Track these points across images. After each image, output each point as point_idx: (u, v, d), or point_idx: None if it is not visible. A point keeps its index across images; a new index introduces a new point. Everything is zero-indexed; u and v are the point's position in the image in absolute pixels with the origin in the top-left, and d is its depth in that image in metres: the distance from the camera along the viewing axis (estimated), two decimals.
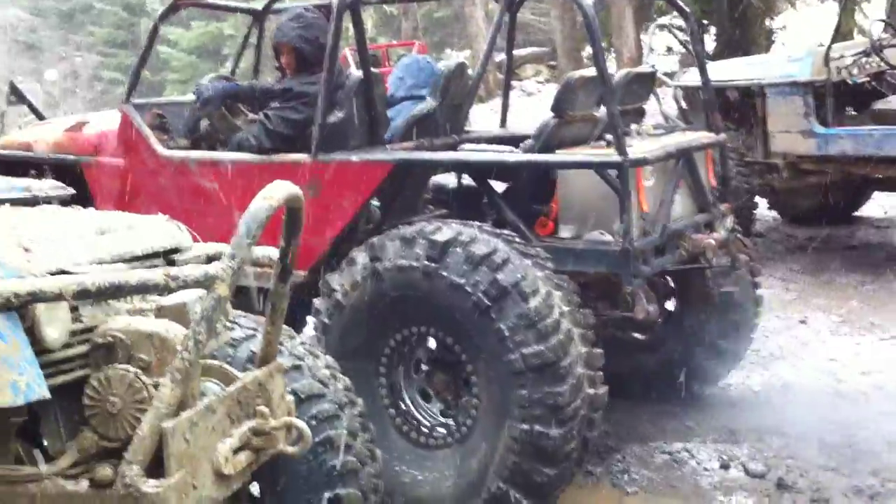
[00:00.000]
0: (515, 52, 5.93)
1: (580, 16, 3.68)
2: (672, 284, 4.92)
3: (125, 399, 2.18)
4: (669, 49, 17.11)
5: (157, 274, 2.21)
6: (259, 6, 5.58)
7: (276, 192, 2.22)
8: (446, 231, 3.71)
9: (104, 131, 5.05)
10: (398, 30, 25.58)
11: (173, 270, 2.22)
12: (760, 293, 5.05)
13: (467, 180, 4.50)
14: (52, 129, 5.39)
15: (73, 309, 2.27)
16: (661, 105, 8.07)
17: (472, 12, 21.90)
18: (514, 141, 4.62)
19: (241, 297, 4.27)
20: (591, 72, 4.26)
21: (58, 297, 2.08)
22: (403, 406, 3.99)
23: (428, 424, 3.96)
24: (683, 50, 16.14)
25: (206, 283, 2.20)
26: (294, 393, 2.74)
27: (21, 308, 2.08)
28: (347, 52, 13.62)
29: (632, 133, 4.33)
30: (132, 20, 35.58)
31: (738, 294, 4.79)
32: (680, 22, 14.89)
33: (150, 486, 2.09)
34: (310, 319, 4.20)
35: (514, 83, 19.53)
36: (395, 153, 4.38)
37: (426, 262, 3.67)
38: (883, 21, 7.95)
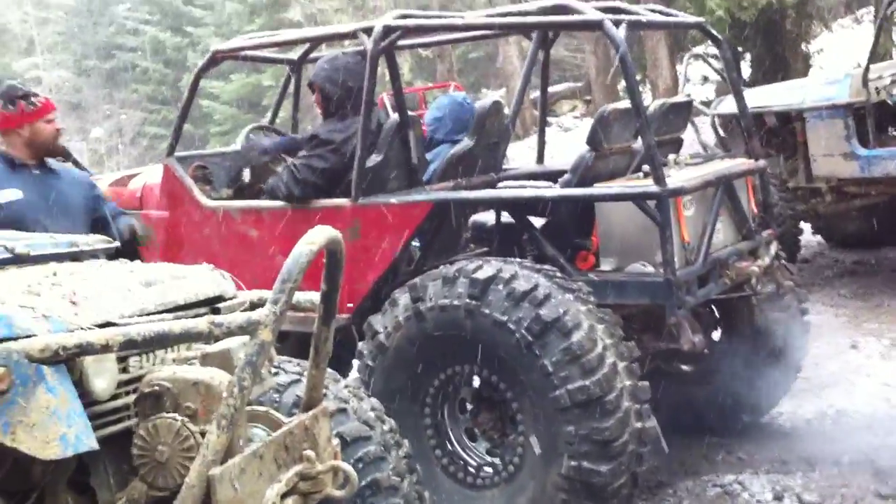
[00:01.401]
0: (550, 88, 5.97)
1: (614, 50, 3.69)
2: (717, 314, 4.87)
3: (173, 448, 2.20)
4: (705, 78, 17.04)
5: (201, 322, 2.24)
6: (295, 56, 5.67)
7: (317, 237, 2.25)
8: (487, 269, 3.72)
9: (148, 184, 5.15)
10: (433, 73, 25.81)
11: (217, 318, 2.25)
12: (808, 319, 4.97)
13: (506, 217, 4.51)
14: (99, 183, 5.50)
15: (121, 360, 2.31)
16: (699, 134, 8.03)
17: (507, 51, 22.06)
18: (552, 176, 4.62)
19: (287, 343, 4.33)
20: (625, 104, 4.26)
21: (105, 348, 2.12)
22: (449, 446, 3.98)
23: (475, 464, 3.95)
24: (719, 78, 16.09)
25: (250, 329, 2.22)
26: (340, 436, 2.75)
27: (69, 361, 2.12)
28: (385, 97, 13.77)
29: (669, 163, 4.32)
30: (175, 76, 36.30)
31: (786, 321, 4.72)
32: (714, 51, 14.89)
33: None
34: (355, 362, 4.22)
35: (550, 119, 19.66)
36: (433, 193, 4.41)
37: (468, 301, 3.68)
38: None
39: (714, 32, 4.73)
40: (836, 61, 14.81)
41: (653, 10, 4.56)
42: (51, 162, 4.21)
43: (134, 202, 5.14)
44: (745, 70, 15.55)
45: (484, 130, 4.93)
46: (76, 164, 6.66)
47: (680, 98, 5.02)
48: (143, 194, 5.13)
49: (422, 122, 4.94)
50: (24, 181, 4.01)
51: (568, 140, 16.76)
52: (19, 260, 2.69)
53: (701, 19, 4.90)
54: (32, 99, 4.08)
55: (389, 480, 2.88)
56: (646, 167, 4.10)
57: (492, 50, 25.17)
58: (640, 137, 4.18)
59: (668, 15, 4.74)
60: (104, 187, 5.38)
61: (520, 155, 14.57)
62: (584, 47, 20.53)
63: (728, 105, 8.34)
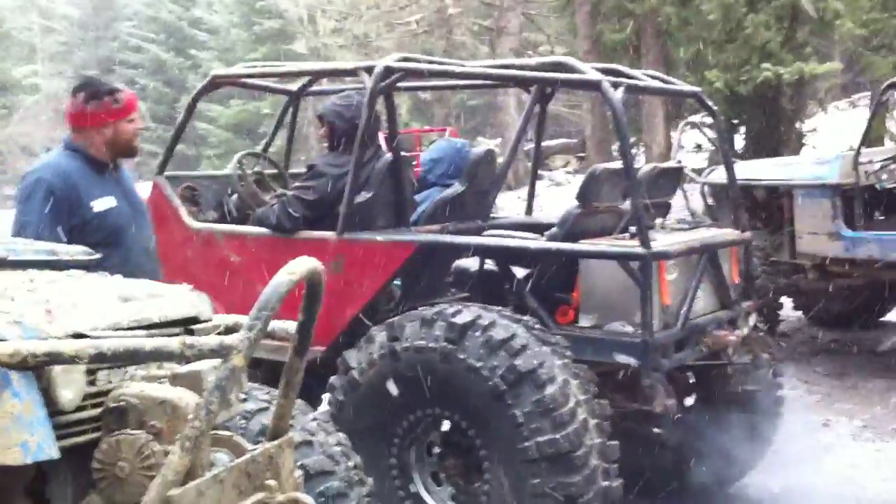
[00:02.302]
0: (545, 142, 6.03)
1: (609, 110, 3.74)
2: (692, 380, 4.87)
3: (134, 464, 2.17)
4: (699, 146, 17.22)
5: (173, 342, 2.22)
6: (295, 87, 5.71)
7: (298, 268, 2.24)
8: (466, 314, 3.73)
9: None
10: (431, 116, 26.00)
11: (189, 339, 2.23)
12: (782, 394, 4.98)
13: (490, 265, 4.52)
14: None
15: (90, 372, 2.29)
16: (689, 201, 8.11)
17: (506, 101, 22.26)
18: (539, 228, 4.64)
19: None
20: (617, 164, 4.31)
21: (74, 359, 2.10)
22: (413, 488, 3.95)
23: None
24: (713, 147, 16.26)
25: (222, 353, 2.20)
26: (304, 468, 2.72)
27: (37, 368, 2.10)
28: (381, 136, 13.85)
29: (656, 226, 4.35)
30: (173, 96, 36.44)
31: (760, 394, 4.73)
32: (710, 120, 15.06)
33: None
34: (325, 396, 4.20)
35: (543, 173, 19.78)
36: (419, 235, 4.43)
37: (444, 344, 3.67)
38: None
39: (709, 103, 4.79)
40: (829, 142, 14.99)
41: (652, 77, 4.62)
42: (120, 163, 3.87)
43: None
44: (739, 142, 15.73)
45: (476, 177, 4.96)
46: None
47: (671, 164, 5.07)
48: None
49: (415, 163, 4.97)
50: (111, 186, 3.70)
51: (558, 194, 16.85)
52: None
53: (697, 89, 4.97)
54: (118, 95, 3.73)
55: None
56: (632, 228, 4.13)
57: (491, 99, 25.41)
58: (628, 199, 4.21)
59: (666, 82, 4.81)
60: None
61: (509, 205, 14.62)
62: (582, 105, 20.76)
63: (719, 175, 8.42)
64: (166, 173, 5.02)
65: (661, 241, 4.02)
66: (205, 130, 32.47)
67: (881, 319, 8.94)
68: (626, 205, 4.40)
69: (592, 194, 4.23)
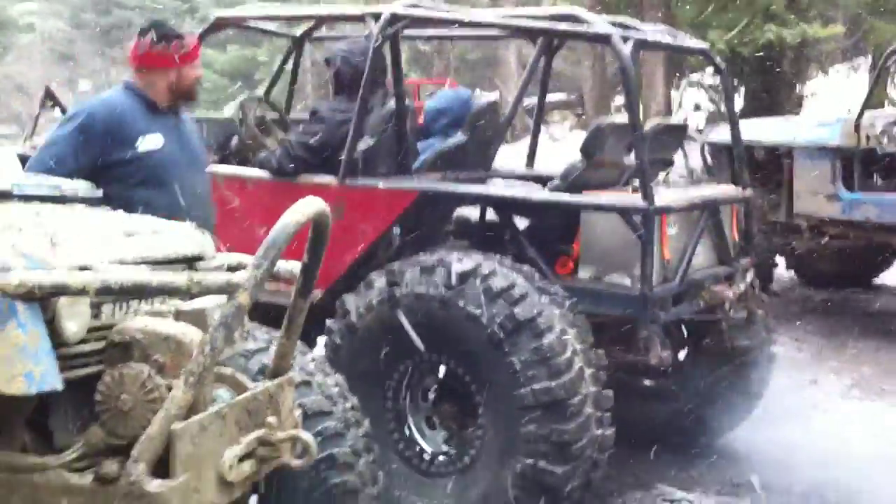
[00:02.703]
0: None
1: (610, 67, 3.72)
2: (686, 334, 4.91)
3: (137, 398, 2.18)
4: (697, 106, 17.16)
5: (180, 277, 2.24)
6: (298, 32, 5.66)
7: (307, 208, 2.25)
8: (466, 262, 3.74)
9: None
10: (430, 68, 25.79)
11: (197, 275, 2.25)
12: (775, 350, 5.03)
13: (491, 215, 4.52)
14: None
15: (94, 305, 2.30)
16: (688, 160, 8.09)
17: (506, 55, 22.08)
18: (540, 181, 4.64)
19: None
20: (622, 119, 4.29)
21: (81, 291, 2.11)
22: (407, 432, 3.98)
23: (430, 452, 3.96)
24: (711, 108, 16.20)
25: (229, 290, 2.22)
26: (301, 408, 2.75)
27: (43, 300, 2.11)
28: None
29: (658, 182, 4.36)
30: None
31: (753, 349, 4.77)
32: (709, 81, 14.98)
33: (154, 485, 2.10)
34: (321, 340, 4.22)
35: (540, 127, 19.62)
36: (421, 182, 4.42)
37: (444, 291, 3.69)
38: None
39: (717, 60, 4.77)
40: (828, 105, 14.96)
41: (661, 32, 4.58)
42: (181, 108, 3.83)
43: None
44: (738, 103, 15.68)
45: (479, 128, 4.95)
46: (63, 111, 6.65)
47: (676, 120, 5.06)
48: None
49: (418, 112, 4.95)
50: (164, 128, 3.65)
51: (555, 150, 16.79)
52: (3, 196, 2.66)
53: (705, 45, 4.94)
54: (185, 41, 3.69)
55: (346, 457, 2.89)
56: (635, 182, 4.13)
57: (490, 52, 25.20)
58: (632, 154, 4.21)
59: (674, 37, 4.77)
60: None
61: (506, 159, 14.55)
62: (582, 61, 20.61)
63: (719, 134, 8.41)
64: None
65: (664, 196, 4.03)
66: None
67: (873, 281, 9.01)
68: (629, 160, 4.40)
69: (597, 148, 4.23)
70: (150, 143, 3.58)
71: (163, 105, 3.68)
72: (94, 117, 3.54)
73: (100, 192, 3.14)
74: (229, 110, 5.28)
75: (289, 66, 5.74)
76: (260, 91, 5.83)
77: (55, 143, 3.53)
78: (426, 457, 3.94)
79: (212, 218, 3.77)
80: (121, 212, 2.87)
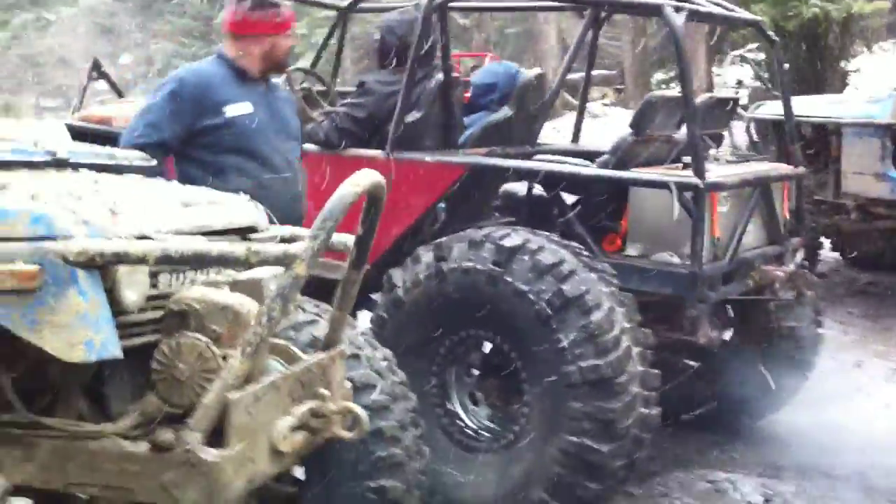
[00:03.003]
0: (582, 74, 5.93)
1: (651, 41, 3.68)
2: (731, 314, 4.86)
3: (193, 367, 2.19)
4: (740, 82, 16.96)
5: (238, 247, 2.24)
6: (345, 3, 5.63)
7: (363, 180, 2.25)
8: (515, 237, 3.71)
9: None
10: (469, 42, 25.65)
11: (255, 245, 2.25)
12: (822, 332, 4.97)
13: (538, 190, 4.49)
14: (131, 107, 5.48)
15: (152, 275, 2.31)
16: (733, 136, 8.00)
17: (546, 30, 21.89)
18: (587, 156, 4.60)
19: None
20: (672, 93, 4.24)
21: (141, 260, 2.12)
22: (451, 406, 3.98)
23: (474, 427, 3.96)
24: (755, 84, 16.00)
25: (286, 261, 2.22)
26: (350, 380, 2.76)
27: (104, 268, 2.12)
28: None
29: (709, 158, 4.30)
30: (210, 13, 36.11)
31: (800, 330, 4.72)
32: (752, 56, 14.77)
33: (209, 454, 2.13)
34: (364, 315, 4.22)
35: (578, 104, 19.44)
36: (468, 157, 4.40)
37: (492, 267, 3.67)
38: None
39: (770, 33, 4.69)
40: (873, 82, 14.69)
41: (712, 3, 4.51)
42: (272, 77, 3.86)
43: None
44: None
45: (525, 102, 4.91)
46: (111, 83, 6.68)
47: (727, 94, 4.99)
48: None
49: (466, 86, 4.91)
50: (253, 96, 3.67)
51: (595, 127, 16.65)
52: (59, 164, 2.68)
53: (759, 18, 4.87)
54: (281, 10, 3.69)
55: (393, 431, 2.89)
56: (685, 158, 4.08)
57: (530, 27, 25.00)
58: (683, 128, 4.16)
59: (726, 10, 4.69)
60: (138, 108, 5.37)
61: (545, 135, 14.45)
62: (622, 36, 20.40)
63: (765, 110, 8.30)
64: None
65: (715, 172, 3.98)
66: None
67: None
68: (679, 135, 4.35)
69: (648, 122, 4.18)
70: (238, 109, 3.61)
71: (253, 73, 3.70)
72: (184, 84, 3.60)
73: (154, 162, 3.16)
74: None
75: (333, 39, 5.72)
76: (304, 63, 5.81)
77: (149, 111, 3.60)
78: (469, 432, 3.94)
79: (303, 186, 3.82)
80: (175, 182, 2.89)
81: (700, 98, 4.65)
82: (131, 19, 37.80)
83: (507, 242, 3.68)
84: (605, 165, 4.19)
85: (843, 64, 15.73)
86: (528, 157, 4.72)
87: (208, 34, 33.88)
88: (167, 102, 3.56)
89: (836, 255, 8.91)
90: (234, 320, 2.26)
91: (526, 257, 3.63)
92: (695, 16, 4.10)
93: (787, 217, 4.56)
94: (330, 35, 5.76)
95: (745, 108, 9.19)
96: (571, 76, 5.45)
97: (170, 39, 34.28)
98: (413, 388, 3.27)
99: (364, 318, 4.31)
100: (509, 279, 3.63)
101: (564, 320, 3.53)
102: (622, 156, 4.17)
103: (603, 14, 5.07)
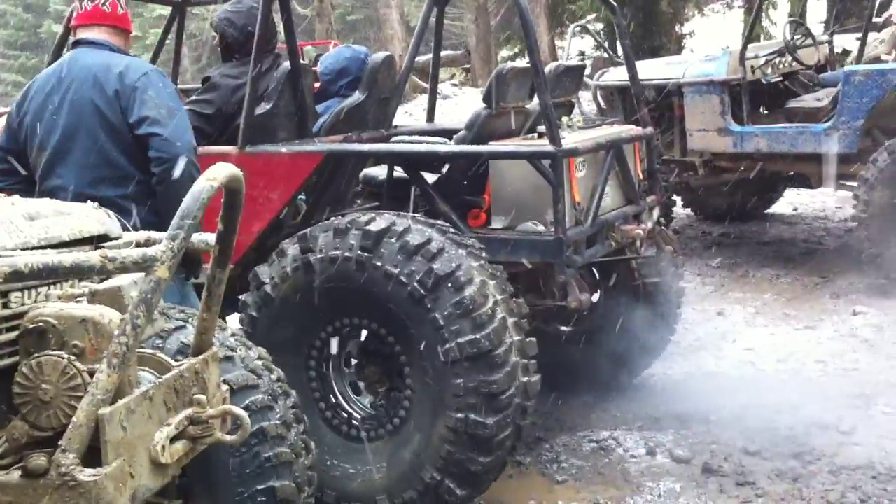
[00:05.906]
0: (429, 56, 5.94)
1: (493, 19, 3.70)
2: (597, 276, 4.97)
3: (58, 386, 2.08)
4: (582, 53, 17.35)
5: (93, 256, 2.12)
6: None
7: (218, 174, 2.16)
8: (380, 221, 3.68)
9: None
10: (311, 31, 25.37)
11: (110, 253, 2.14)
12: (683, 285, 5.14)
13: (398, 172, 4.47)
14: None
15: (1, 294, 2.17)
16: (580, 105, 8.17)
17: (388, 14, 21.87)
18: (443, 134, 4.60)
19: None
20: (523, 64, 4.28)
21: None
22: (333, 399, 3.92)
23: (359, 417, 3.92)
24: (597, 54, 16.40)
25: (146, 265, 2.12)
26: (227, 383, 2.67)
27: None
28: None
29: (562, 125, 4.36)
30: (35, 22, 34.56)
31: (663, 285, 4.87)
32: (594, 26, 15.13)
33: (86, 474, 2.01)
34: (233, 317, 4.11)
35: (427, 85, 19.52)
36: (324, 145, 4.33)
37: (360, 253, 3.62)
38: (796, 22, 8.20)
39: (612, 1, 4.79)
40: (707, 44, 15.29)
41: None
42: None
43: None
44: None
45: (376, 85, 4.87)
46: None
47: (574, 62, 5.08)
48: None
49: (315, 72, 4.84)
50: None
51: (447, 107, 16.76)
52: None
53: None
54: None
55: (276, 430, 2.82)
56: (540, 128, 4.13)
57: (372, 13, 24.95)
58: (534, 99, 4.20)
59: None
60: None
61: (398, 119, 14.45)
62: (465, 16, 20.58)
63: (610, 77, 8.52)
64: None
65: (569, 138, 4.04)
66: None
67: (766, 212, 9.31)
68: (532, 104, 4.39)
69: (500, 95, 4.20)
70: None
71: None
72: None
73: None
74: None
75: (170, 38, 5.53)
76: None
77: None
78: (355, 423, 3.89)
79: None
80: (17, 196, 2.73)
81: (548, 67, 4.72)
82: None
83: (373, 227, 3.64)
84: (462, 141, 4.20)
85: (677, 28, 16.32)
86: (386, 140, 4.69)
87: (36, 44, 32.40)
88: None
89: (688, 210, 9.27)
90: (97, 333, 2.15)
91: (393, 240, 3.60)
92: None
93: (641, 177, 4.69)
94: (167, 31, 5.57)
95: (590, 76, 9.41)
96: (419, 59, 5.42)
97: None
98: (292, 385, 3.20)
99: (233, 321, 4.20)
100: (379, 263, 3.59)
101: (438, 298, 3.52)
102: (479, 130, 4.19)
103: None
